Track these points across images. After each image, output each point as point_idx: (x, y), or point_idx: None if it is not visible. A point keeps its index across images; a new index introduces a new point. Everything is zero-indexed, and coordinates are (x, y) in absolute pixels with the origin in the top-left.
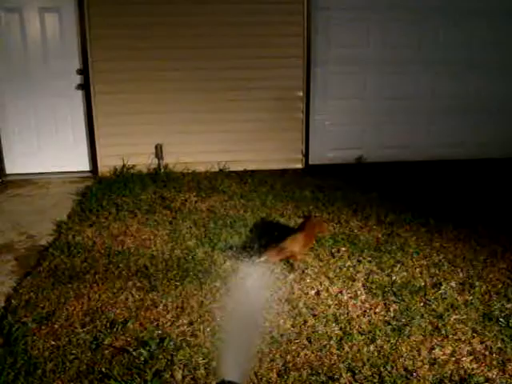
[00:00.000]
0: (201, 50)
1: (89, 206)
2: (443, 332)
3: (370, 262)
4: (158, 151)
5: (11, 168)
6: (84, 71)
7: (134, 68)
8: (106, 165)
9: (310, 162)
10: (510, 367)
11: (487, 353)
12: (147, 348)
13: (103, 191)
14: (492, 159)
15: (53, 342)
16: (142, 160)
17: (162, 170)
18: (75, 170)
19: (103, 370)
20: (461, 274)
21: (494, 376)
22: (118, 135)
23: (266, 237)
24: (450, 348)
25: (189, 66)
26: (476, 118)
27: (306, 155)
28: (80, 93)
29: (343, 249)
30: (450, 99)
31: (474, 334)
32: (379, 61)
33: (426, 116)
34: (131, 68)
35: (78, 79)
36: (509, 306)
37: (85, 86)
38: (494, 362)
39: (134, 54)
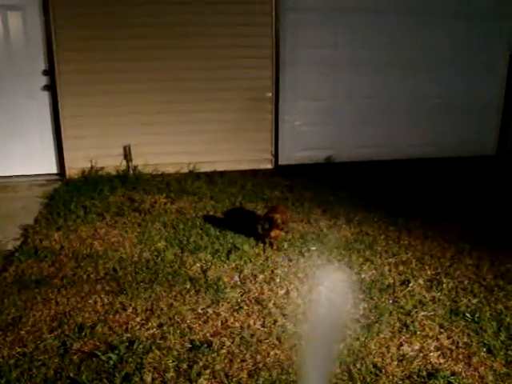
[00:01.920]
0: (169, 50)
1: (56, 210)
2: (411, 328)
3: (339, 260)
4: (127, 153)
5: None
6: (50, 72)
7: (101, 69)
8: (74, 167)
9: (280, 163)
10: (475, 361)
11: (454, 347)
12: (116, 352)
13: (71, 194)
14: (464, 158)
15: (19, 349)
16: (111, 162)
17: (131, 172)
18: (43, 172)
19: (71, 375)
20: (428, 272)
21: (460, 370)
22: (85, 137)
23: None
24: (418, 344)
25: (156, 67)
26: (448, 117)
27: (276, 156)
28: (46, 94)
29: (313, 248)
30: (421, 99)
31: (442, 330)
32: (349, 61)
33: (397, 116)
34: (98, 69)
35: (44, 80)
36: (475, 301)
37: (51, 87)
38: (461, 357)
39: (100, 56)
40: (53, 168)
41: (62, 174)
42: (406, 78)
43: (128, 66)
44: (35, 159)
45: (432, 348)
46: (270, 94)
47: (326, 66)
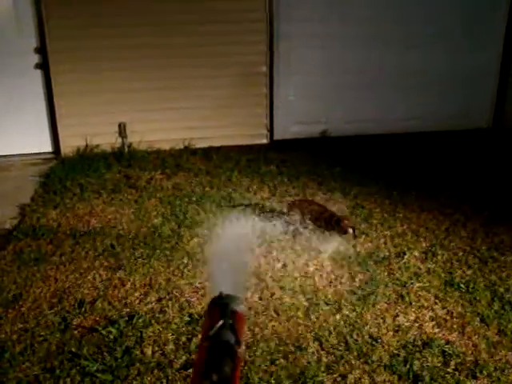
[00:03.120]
0: (162, 26)
1: (52, 188)
2: (407, 300)
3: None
4: (122, 130)
5: None
6: (42, 50)
7: (94, 46)
8: (69, 145)
9: (275, 137)
10: (468, 330)
11: (448, 317)
12: (116, 326)
13: (67, 172)
14: (460, 131)
15: (21, 325)
16: (106, 139)
17: (126, 149)
18: (37, 151)
19: (73, 349)
20: (424, 244)
21: (454, 339)
22: (80, 115)
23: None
24: (414, 315)
25: (150, 43)
26: (443, 90)
27: (271, 130)
28: (39, 72)
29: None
30: (415, 73)
31: (436, 301)
32: (343, 35)
33: (391, 90)
34: (90, 46)
35: (36, 58)
36: (469, 272)
37: (43, 65)
38: (455, 326)
39: (92, 32)
40: (48, 147)
41: (56, 152)
42: (400, 52)
43: (122, 43)
44: (29, 138)
45: (427, 318)
46: (265, 69)
47: (321, 40)
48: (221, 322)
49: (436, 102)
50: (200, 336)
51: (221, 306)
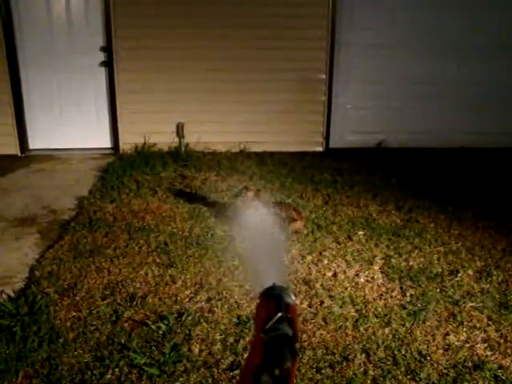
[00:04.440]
0: (225, 29)
1: (110, 183)
2: (458, 319)
3: (387, 246)
4: (180, 130)
5: (34, 143)
6: (107, 48)
7: (157, 46)
8: (128, 142)
9: (331, 145)
10: None
11: (502, 341)
12: (165, 322)
13: (124, 168)
14: None
15: (74, 313)
16: (163, 138)
17: (183, 149)
18: (97, 146)
19: (122, 341)
20: (478, 263)
21: (507, 364)
22: (139, 113)
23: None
24: (465, 335)
25: (212, 45)
26: (501, 105)
27: (327, 138)
28: (103, 70)
29: (361, 232)
30: (479, 86)
31: (490, 322)
32: (404, 45)
33: (451, 103)
34: (154, 46)
35: (101, 56)
36: None
37: (108, 64)
38: (509, 351)
39: (157, 33)
40: (107, 142)
41: (115, 148)
42: (462, 64)
43: (184, 44)
44: (90, 133)
45: (479, 339)
46: (324, 76)
47: (381, 49)
48: (279, 315)
49: (498, 116)
50: (253, 328)
51: (275, 297)
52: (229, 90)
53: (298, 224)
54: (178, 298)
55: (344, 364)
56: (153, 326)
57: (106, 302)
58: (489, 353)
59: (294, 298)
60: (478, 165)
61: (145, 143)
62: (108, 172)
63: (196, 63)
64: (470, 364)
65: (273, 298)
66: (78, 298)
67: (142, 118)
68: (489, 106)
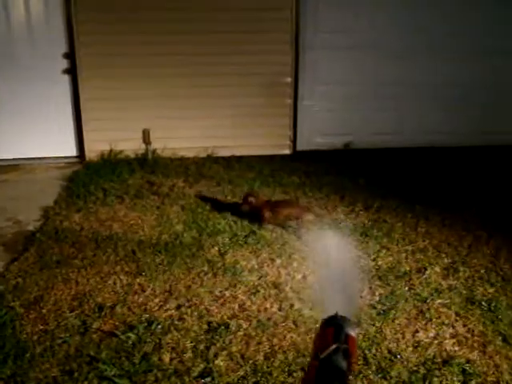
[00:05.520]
0: (188, 35)
1: (76, 192)
2: (427, 316)
3: (356, 247)
4: (146, 136)
5: None
6: (71, 55)
7: (121, 53)
8: (93, 150)
9: (298, 148)
10: (490, 349)
11: (469, 335)
12: (135, 331)
13: (90, 176)
14: (490, 146)
15: (41, 327)
16: (130, 145)
17: (150, 156)
18: (62, 155)
19: (91, 353)
20: (445, 260)
21: (475, 358)
22: (105, 120)
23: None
24: (434, 331)
25: (176, 52)
26: (473, 104)
27: (294, 141)
28: (66, 77)
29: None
30: (444, 86)
31: (457, 318)
32: (369, 46)
33: (417, 103)
34: (118, 53)
35: (64, 63)
36: (491, 290)
37: (71, 71)
38: (476, 345)
39: (120, 39)
40: (72, 151)
41: (81, 156)
42: (428, 65)
43: (148, 51)
44: (55, 142)
45: (447, 335)
46: (289, 79)
47: (347, 51)
48: (334, 346)
49: (462, 116)
50: (311, 353)
51: (336, 326)
52: (194, 96)
53: (309, 216)
54: (148, 307)
55: None
56: (122, 336)
57: (74, 313)
58: (457, 348)
59: (356, 330)
60: (444, 164)
61: (111, 150)
62: (74, 181)
63: (161, 69)
64: (439, 360)
65: (333, 326)
66: (44, 310)
67: (108, 125)
68: (455, 105)
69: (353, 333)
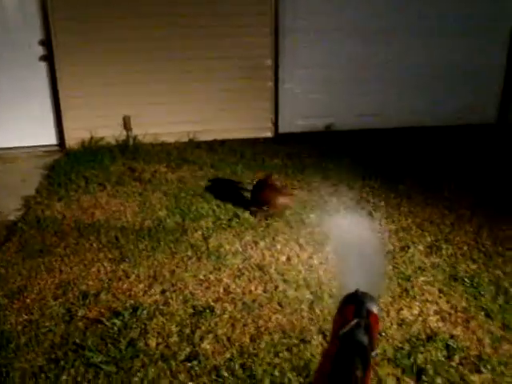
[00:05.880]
0: (168, 19)
1: (57, 180)
2: (411, 293)
3: (339, 227)
4: (126, 123)
5: None
6: (47, 42)
7: (99, 39)
8: (74, 138)
9: (280, 131)
10: (473, 324)
11: (452, 312)
12: (120, 318)
13: (71, 164)
14: (465, 126)
15: (25, 316)
16: (111, 132)
17: (131, 142)
18: (42, 143)
19: (77, 341)
20: (428, 238)
21: (458, 333)
22: (84, 107)
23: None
24: (418, 309)
25: (155, 37)
26: (448, 85)
27: (276, 124)
28: (44, 64)
29: (313, 215)
30: (421, 67)
31: (441, 295)
32: (349, 29)
33: (397, 84)
34: (96, 39)
35: (40, 50)
36: (473, 267)
37: (48, 58)
38: (459, 320)
39: (98, 25)
40: (52, 139)
41: (61, 144)
42: (406, 46)
43: (126, 36)
44: (34, 130)
45: (431, 312)
46: (270, 62)
47: (326, 34)
48: (355, 321)
49: (441, 96)
50: (331, 332)
51: (356, 303)
52: (175, 80)
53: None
54: (132, 293)
55: (301, 346)
56: (107, 323)
57: (58, 301)
58: (440, 324)
59: (378, 307)
60: (424, 144)
61: (92, 138)
62: (55, 169)
63: (140, 54)
64: (423, 336)
65: (353, 303)
66: (28, 300)
67: (88, 113)
68: (432, 87)
69: (375, 309)
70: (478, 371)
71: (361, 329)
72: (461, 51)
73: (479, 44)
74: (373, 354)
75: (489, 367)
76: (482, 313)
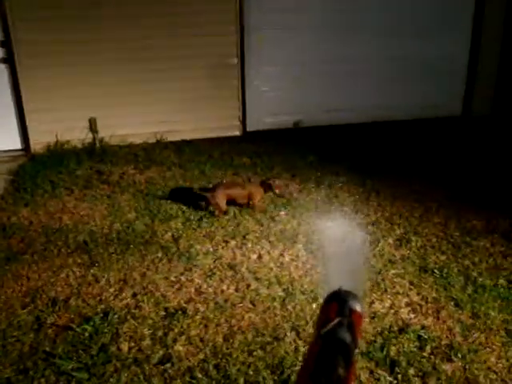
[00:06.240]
0: (131, 18)
1: (23, 185)
2: (382, 286)
3: (309, 223)
4: (92, 125)
5: None
6: (6, 43)
7: (62, 40)
8: (39, 142)
9: (248, 129)
10: (443, 314)
11: (423, 303)
12: (91, 323)
13: (37, 169)
14: (431, 119)
15: None
16: (76, 135)
17: (98, 144)
18: (6, 148)
19: (47, 349)
20: (398, 231)
21: (429, 323)
22: (49, 110)
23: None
24: (389, 301)
25: (117, 36)
26: (414, 79)
27: (244, 122)
28: (4, 67)
29: (283, 212)
30: (386, 61)
31: (411, 287)
32: (315, 25)
33: (363, 79)
34: (58, 40)
35: (0, 52)
36: (443, 258)
37: (9, 60)
38: (430, 311)
39: (59, 25)
40: (16, 143)
41: (26, 149)
42: (371, 41)
43: (88, 37)
44: None
45: (402, 304)
46: (236, 60)
47: (293, 30)
48: (337, 320)
49: (407, 91)
50: (313, 331)
51: (339, 301)
52: (140, 81)
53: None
54: (103, 297)
55: (275, 344)
56: (78, 329)
57: (26, 310)
58: (412, 315)
59: (361, 305)
60: (391, 138)
61: (57, 141)
62: (19, 174)
63: (104, 55)
64: (395, 328)
65: (336, 301)
66: None
67: (52, 116)
68: (399, 81)
69: (358, 307)
70: (450, 360)
71: (343, 327)
72: (426, 46)
73: (443, 38)
74: (354, 352)
75: (459, 355)
76: (452, 303)
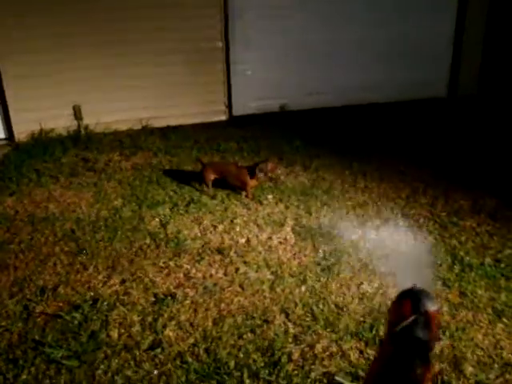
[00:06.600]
0: (115, 2)
1: (7, 175)
2: (370, 267)
3: (297, 206)
4: (77, 112)
5: None
6: None
7: (42, 25)
8: (23, 130)
9: (234, 113)
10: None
11: None
12: (80, 311)
13: (21, 158)
14: (416, 101)
15: None
16: (61, 123)
17: (83, 132)
18: None
19: (36, 337)
20: (385, 212)
21: None
22: (32, 98)
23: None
24: (378, 282)
25: (101, 19)
26: (399, 60)
27: (230, 107)
28: None
29: (270, 196)
30: (371, 43)
31: None
32: (298, 8)
33: (347, 61)
34: (38, 25)
35: None
36: (430, 238)
37: None
38: None
39: (39, 10)
40: (0, 133)
41: (10, 138)
42: (354, 23)
43: (71, 21)
44: None
45: (391, 284)
46: (220, 44)
47: (278, 14)
48: (413, 317)
49: (393, 72)
50: (385, 329)
51: (413, 299)
52: (123, 66)
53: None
54: (91, 285)
55: (264, 326)
56: (67, 317)
57: (14, 299)
58: None
59: (436, 304)
60: (377, 120)
61: (41, 129)
62: (4, 164)
63: (86, 39)
64: (384, 309)
65: (410, 298)
66: None
67: (36, 104)
68: (384, 63)
69: (432, 307)
70: (438, 338)
71: (419, 325)
72: (410, 26)
73: (428, 19)
74: (431, 350)
75: (448, 334)
76: (440, 282)
